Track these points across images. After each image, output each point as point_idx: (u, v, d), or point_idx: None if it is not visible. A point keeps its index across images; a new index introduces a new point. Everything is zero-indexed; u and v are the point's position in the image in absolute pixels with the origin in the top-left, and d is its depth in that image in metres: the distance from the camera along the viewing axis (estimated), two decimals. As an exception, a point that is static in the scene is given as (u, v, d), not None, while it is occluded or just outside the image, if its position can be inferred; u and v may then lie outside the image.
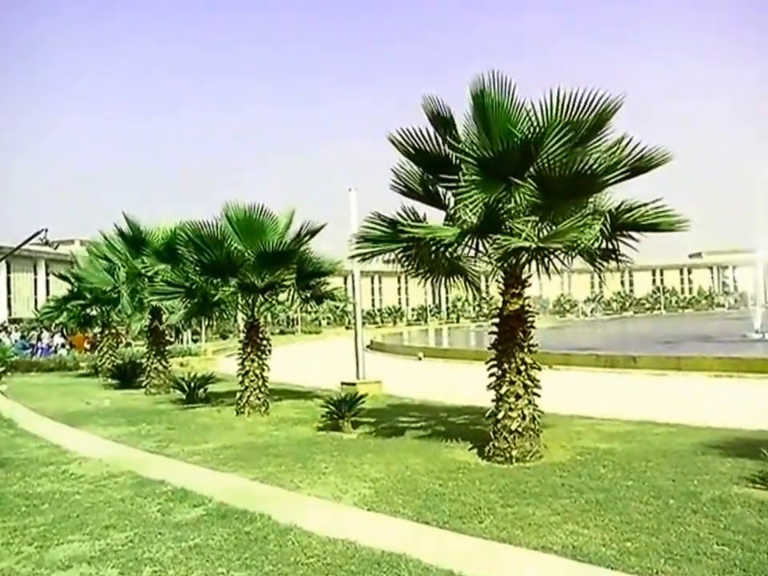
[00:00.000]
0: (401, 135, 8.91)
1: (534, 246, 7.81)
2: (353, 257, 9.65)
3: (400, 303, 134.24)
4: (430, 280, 10.09)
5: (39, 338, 40.72)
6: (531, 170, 8.27)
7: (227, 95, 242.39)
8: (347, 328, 67.84)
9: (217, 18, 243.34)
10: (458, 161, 8.83)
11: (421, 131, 8.81)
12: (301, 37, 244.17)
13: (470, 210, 8.57)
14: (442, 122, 8.83)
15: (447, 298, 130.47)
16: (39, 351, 37.77)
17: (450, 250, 9.22)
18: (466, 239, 8.92)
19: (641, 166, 8.45)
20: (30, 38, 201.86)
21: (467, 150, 8.59)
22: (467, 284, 10.14)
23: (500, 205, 8.27)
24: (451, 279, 10.05)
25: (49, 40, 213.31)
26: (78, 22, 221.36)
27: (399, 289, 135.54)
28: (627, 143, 8.39)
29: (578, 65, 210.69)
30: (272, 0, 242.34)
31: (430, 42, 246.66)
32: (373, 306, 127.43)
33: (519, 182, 8.27)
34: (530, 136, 8.07)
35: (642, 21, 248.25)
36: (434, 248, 9.00)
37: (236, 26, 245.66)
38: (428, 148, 8.95)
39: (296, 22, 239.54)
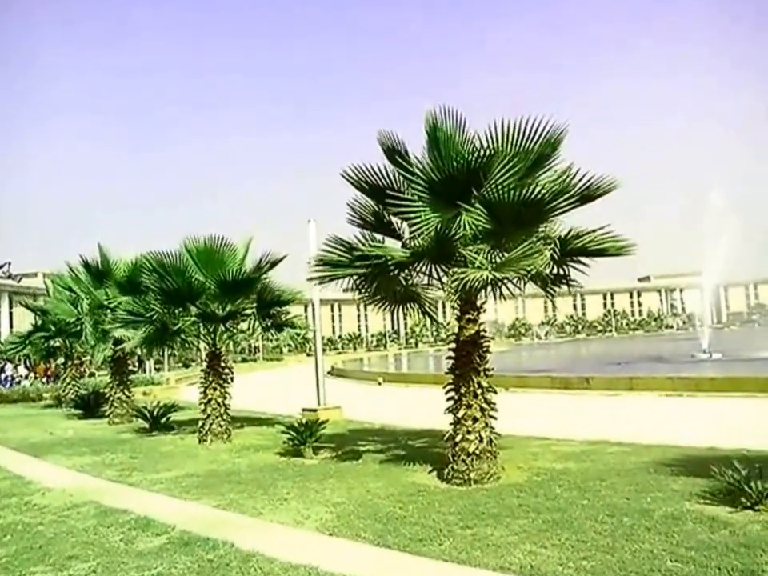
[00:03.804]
0: (353, 171, 9.14)
1: (488, 276, 7.97)
2: (311, 279, 9.74)
3: (360, 330, 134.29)
4: (386, 308, 10.23)
5: (2, 370, 39.93)
6: (479, 195, 8.47)
7: (201, 126, 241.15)
8: (308, 355, 67.33)
9: (197, 49, 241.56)
10: (409, 191, 9.04)
11: (372, 167, 9.04)
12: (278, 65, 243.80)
13: (423, 229, 8.72)
14: (395, 153, 9.06)
15: (406, 324, 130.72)
16: (7, 383, 37.11)
17: (404, 273, 9.42)
18: (421, 263, 9.14)
19: (589, 194, 8.73)
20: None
21: (418, 173, 8.84)
22: (420, 311, 10.27)
23: (450, 229, 8.42)
24: (406, 306, 10.20)
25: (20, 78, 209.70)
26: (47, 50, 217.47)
27: (359, 316, 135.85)
28: (576, 172, 8.63)
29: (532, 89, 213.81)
30: (246, 29, 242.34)
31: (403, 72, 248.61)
32: (333, 332, 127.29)
33: (466, 206, 8.50)
34: (473, 161, 8.33)
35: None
36: (390, 270, 9.17)
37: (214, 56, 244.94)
38: (380, 182, 9.15)
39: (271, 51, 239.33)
